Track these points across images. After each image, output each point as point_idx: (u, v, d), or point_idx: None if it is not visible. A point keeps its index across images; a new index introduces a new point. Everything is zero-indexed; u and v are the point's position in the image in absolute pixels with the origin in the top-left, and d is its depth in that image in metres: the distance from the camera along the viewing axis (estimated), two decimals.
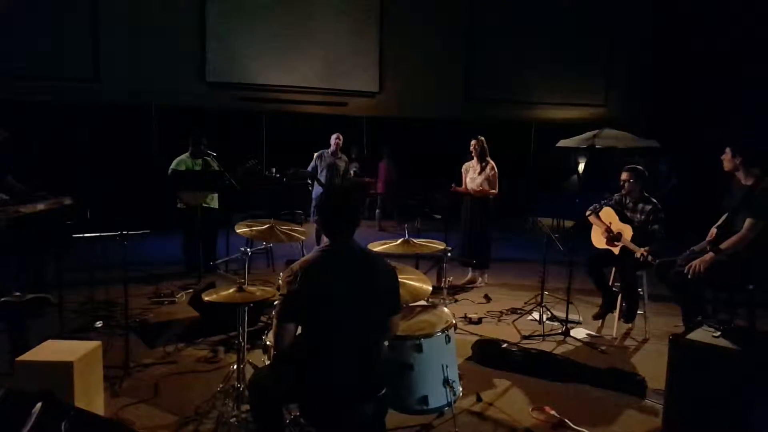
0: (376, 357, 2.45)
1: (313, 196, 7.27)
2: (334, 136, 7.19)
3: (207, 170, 6.33)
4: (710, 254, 3.76)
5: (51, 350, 3.01)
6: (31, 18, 9.43)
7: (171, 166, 6.30)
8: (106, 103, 9.85)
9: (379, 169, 10.72)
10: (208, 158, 6.41)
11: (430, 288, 3.18)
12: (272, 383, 2.43)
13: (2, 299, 3.40)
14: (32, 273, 4.95)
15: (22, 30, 9.37)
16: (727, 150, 3.90)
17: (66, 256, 4.47)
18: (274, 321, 2.35)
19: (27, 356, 2.94)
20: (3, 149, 4.98)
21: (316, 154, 7.21)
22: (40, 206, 4.81)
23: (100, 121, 9.72)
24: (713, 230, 3.96)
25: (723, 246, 3.75)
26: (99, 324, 4.58)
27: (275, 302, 3.86)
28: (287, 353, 2.34)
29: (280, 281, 3.64)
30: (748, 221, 3.69)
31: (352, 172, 8.15)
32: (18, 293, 3.57)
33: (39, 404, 2.10)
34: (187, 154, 6.38)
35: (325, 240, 2.49)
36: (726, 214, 3.92)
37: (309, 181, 7.71)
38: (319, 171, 7.10)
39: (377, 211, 10.52)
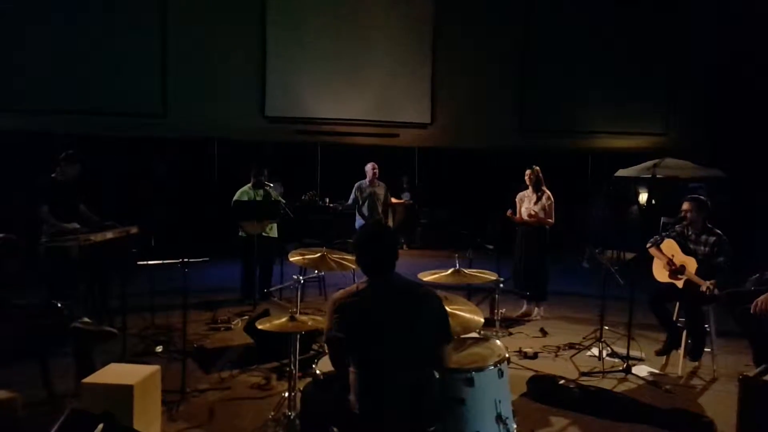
0: (427, 392, 2.39)
1: (356, 227, 7.32)
2: (369, 166, 7.26)
3: (267, 200, 6.54)
4: None
5: (114, 373, 3.15)
6: (107, 58, 10.20)
7: (234, 197, 6.54)
8: (172, 138, 10.45)
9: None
10: (269, 189, 6.63)
11: (482, 320, 3.12)
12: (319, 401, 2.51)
13: (72, 325, 3.58)
14: (98, 298, 5.23)
15: (98, 70, 10.14)
16: None
17: (131, 282, 4.69)
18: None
19: (91, 378, 3.09)
20: (76, 181, 5.35)
21: (355, 186, 7.32)
22: (109, 235, 5.12)
23: (167, 154, 10.31)
24: None
25: None
26: (159, 349, 4.74)
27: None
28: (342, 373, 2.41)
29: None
30: None
31: (403, 199, 8.07)
32: (87, 319, 3.74)
33: (101, 425, 2.19)
34: (249, 185, 6.60)
35: None
36: None
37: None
38: (360, 202, 7.19)
39: None
